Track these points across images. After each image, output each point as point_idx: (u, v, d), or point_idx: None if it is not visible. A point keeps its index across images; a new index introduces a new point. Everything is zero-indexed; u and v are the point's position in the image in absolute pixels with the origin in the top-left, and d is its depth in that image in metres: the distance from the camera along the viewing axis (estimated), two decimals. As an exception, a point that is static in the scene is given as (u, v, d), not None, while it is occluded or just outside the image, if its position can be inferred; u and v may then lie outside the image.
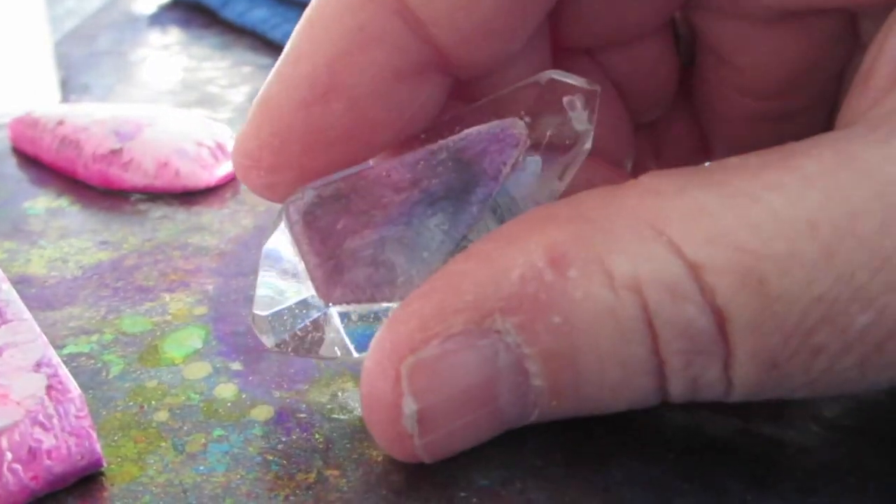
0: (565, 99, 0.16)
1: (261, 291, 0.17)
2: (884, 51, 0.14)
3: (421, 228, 0.16)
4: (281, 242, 0.17)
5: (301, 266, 0.16)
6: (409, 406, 0.14)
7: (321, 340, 0.17)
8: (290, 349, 0.17)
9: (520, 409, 0.15)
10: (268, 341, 0.17)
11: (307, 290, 0.16)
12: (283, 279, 0.17)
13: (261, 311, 0.17)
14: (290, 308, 0.17)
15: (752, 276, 0.12)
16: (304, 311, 0.17)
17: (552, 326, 0.13)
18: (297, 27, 0.16)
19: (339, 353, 0.17)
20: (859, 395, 0.19)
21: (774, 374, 0.13)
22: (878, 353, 0.13)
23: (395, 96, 0.16)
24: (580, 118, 0.16)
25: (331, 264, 0.16)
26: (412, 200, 0.16)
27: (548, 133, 0.16)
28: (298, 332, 0.17)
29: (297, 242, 0.16)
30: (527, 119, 0.16)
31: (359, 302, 0.16)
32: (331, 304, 0.16)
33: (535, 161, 0.16)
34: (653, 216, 0.13)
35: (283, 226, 0.16)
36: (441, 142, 0.16)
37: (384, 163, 0.16)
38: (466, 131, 0.16)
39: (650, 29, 0.19)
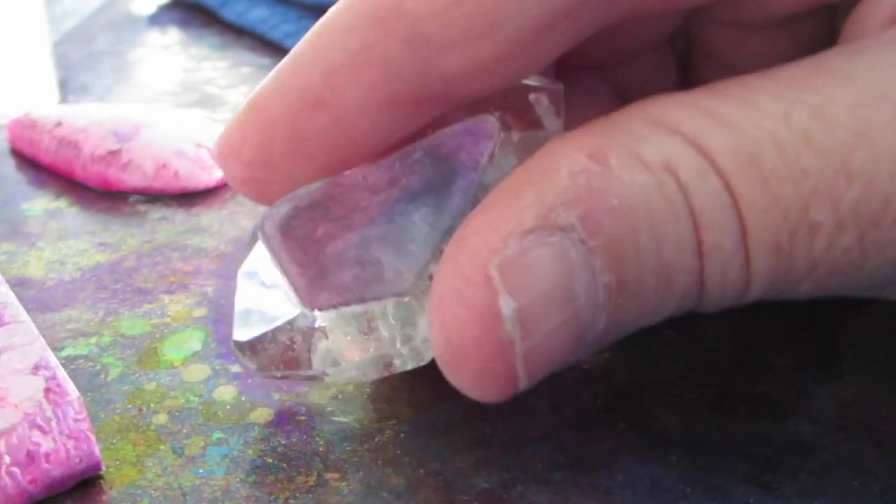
0: (531, 96, 0.16)
1: (240, 314, 0.17)
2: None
3: (405, 223, 0.15)
4: (258, 262, 0.16)
5: (283, 281, 0.16)
6: (508, 304, 0.14)
7: (309, 357, 0.16)
8: (278, 372, 0.17)
9: (592, 313, 0.14)
10: (251, 365, 0.17)
11: (290, 306, 0.16)
12: (263, 298, 0.16)
13: (241, 336, 0.17)
14: (273, 330, 0.16)
15: (747, 155, 0.14)
16: (289, 328, 0.16)
17: (611, 209, 0.14)
18: (308, 33, 0.16)
19: (330, 365, 0.16)
20: (860, 396, 0.19)
21: (781, 258, 0.14)
22: (875, 229, 0.14)
23: (385, 120, 0.16)
24: (547, 114, 0.16)
25: (313, 271, 0.15)
26: (392, 199, 0.15)
27: (518, 132, 0.16)
28: (284, 351, 0.16)
29: (276, 256, 0.15)
30: (496, 115, 0.16)
31: (347, 304, 0.16)
32: (316, 311, 0.16)
33: (509, 161, 0.16)
34: (663, 117, 0.15)
35: (259, 245, 0.16)
36: (415, 143, 0.16)
37: (359, 168, 0.16)
38: (439, 131, 0.16)
39: (653, 46, 0.20)
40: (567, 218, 0.14)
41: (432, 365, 0.20)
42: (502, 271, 0.14)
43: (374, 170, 0.16)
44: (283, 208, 0.16)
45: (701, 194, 0.14)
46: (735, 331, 0.22)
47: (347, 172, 0.16)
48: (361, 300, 0.15)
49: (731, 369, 0.20)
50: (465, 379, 0.15)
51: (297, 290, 0.15)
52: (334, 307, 0.15)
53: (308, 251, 0.15)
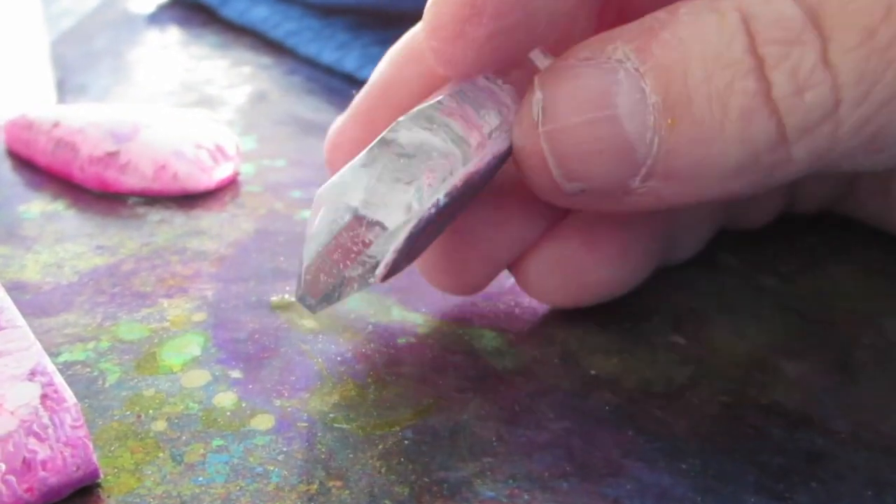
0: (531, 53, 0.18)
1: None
2: None
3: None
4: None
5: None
6: (537, 97, 0.17)
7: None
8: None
9: (640, 126, 0.16)
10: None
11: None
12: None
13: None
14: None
15: None
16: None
17: (663, 41, 0.16)
18: None
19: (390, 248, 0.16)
20: (874, 404, 0.19)
21: (872, 52, 0.15)
22: None
23: None
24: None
25: None
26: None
27: None
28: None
29: None
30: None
31: None
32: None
33: None
34: None
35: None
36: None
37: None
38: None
39: None
40: (623, 51, 0.16)
41: (434, 367, 0.20)
42: (542, 77, 0.17)
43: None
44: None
45: (763, 13, 0.15)
46: (746, 337, 0.22)
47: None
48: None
49: (741, 376, 0.20)
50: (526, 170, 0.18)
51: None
52: None
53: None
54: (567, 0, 0.18)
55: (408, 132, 0.16)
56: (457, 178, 0.16)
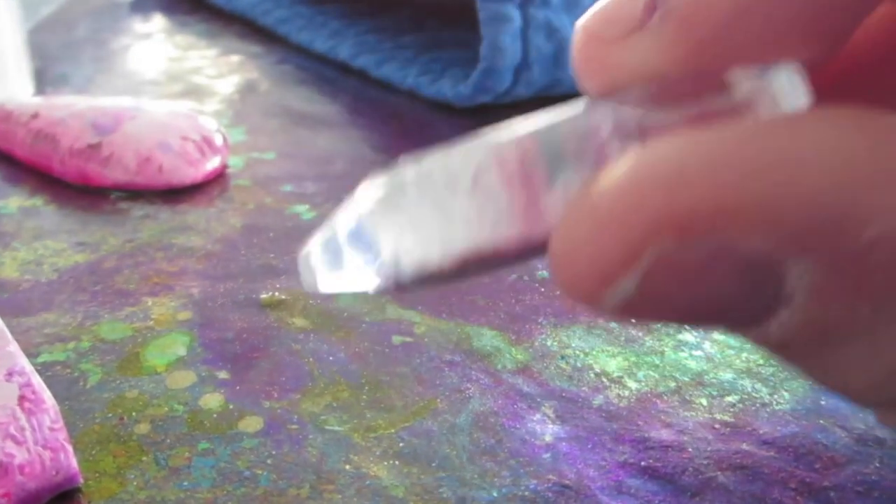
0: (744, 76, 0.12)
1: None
2: None
3: None
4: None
5: None
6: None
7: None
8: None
9: None
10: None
11: None
12: None
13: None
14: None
15: None
16: None
17: None
18: None
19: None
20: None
21: None
22: None
23: None
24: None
25: None
26: None
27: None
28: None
29: None
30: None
31: None
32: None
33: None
34: None
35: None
36: None
37: None
38: None
39: None
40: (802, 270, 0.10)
41: (430, 367, 0.20)
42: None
43: None
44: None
45: None
46: (758, 335, 0.22)
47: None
48: None
49: (752, 373, 0.20)
50: None
51: None
52: None
53: None
54: None
55: (417, 186, 0.12)
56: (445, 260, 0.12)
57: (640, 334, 0.22)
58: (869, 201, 0.09)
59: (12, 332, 0.20)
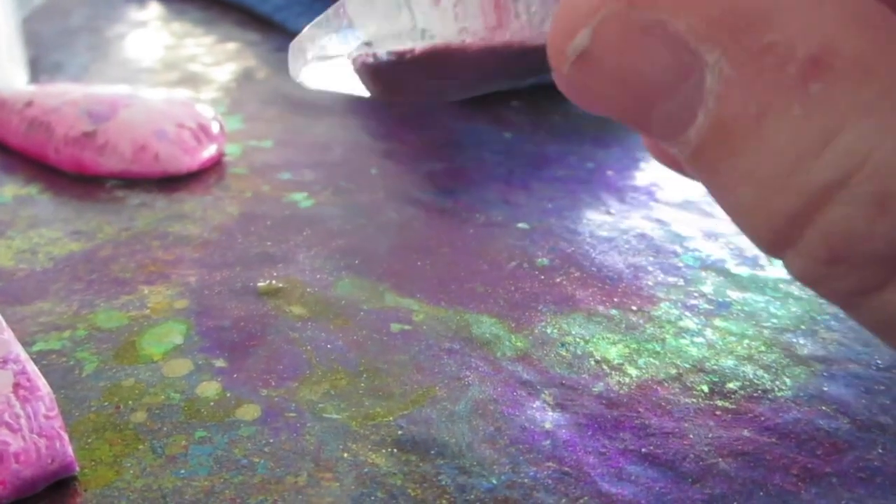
0: None
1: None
2: None
3: None
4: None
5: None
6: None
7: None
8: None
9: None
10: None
11: None
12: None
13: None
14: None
15: None
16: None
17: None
18: None
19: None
20: (899, 392, 0.19)
21: None
22: None
23: None
24: None
25: None
26: None
27: None
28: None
29: None
30: None
31: None
32: None
33: None
34: None
35: None
36: None
37: None
38: None
39: None
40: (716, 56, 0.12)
41: (429, 355, 0.20)
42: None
43: None
44: None
45: None
46: (759, 323, 0.22)
47: None
48: None
49: (756, 358, 0.20)
50: None
51: None
52: None
53: None
54: None
55: None
56: (415, 47, 0.14)
57: (641, 321, 0.22)
58: (771, 12, 0.11)
59: (7, 321, 0.20)
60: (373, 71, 0.15)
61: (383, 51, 0.14)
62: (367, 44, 0.14)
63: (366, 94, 0.15)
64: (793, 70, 0.11)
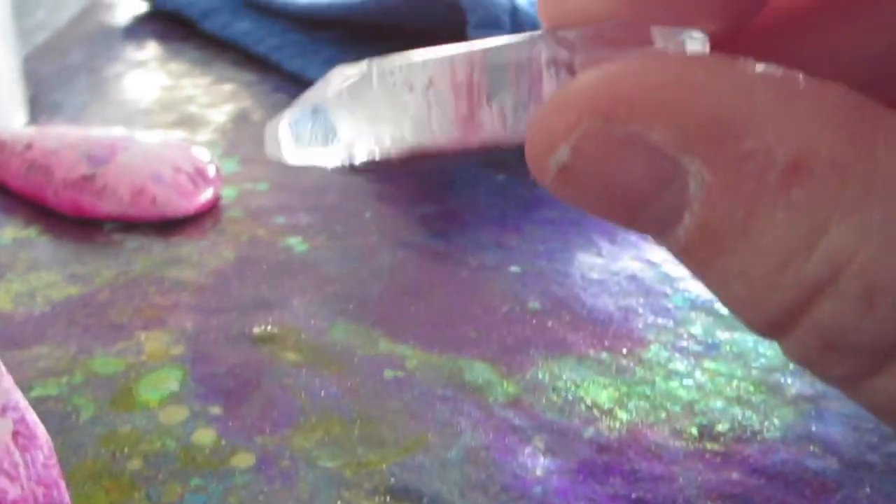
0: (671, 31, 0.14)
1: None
2: None
3: None
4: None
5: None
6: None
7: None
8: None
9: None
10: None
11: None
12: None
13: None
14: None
15: None
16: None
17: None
18: None
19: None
20: (885, 431, 0.20)
21: None
22: None
23: None
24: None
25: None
26: None
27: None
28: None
29: None
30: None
31: None
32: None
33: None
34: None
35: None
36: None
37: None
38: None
39: None
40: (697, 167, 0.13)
41: (423, 402, 0.20)
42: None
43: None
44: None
45: None
46: (748, 363, 0.22)
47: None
48: None
49: (747, 401, 0.21)
50: None
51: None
52: None
53: None
54: None
55: (380, 80, 0.14)
56: (390, 150, 0.14)
57: (632, 364, 0.22)
58: (747, 120, 0.12)
59: (6, 365, 0.21)
60: (349, 167, 0.15)
61: (358, 155, 0.14)
62: (346, 145, 0.15)
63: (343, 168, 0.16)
64: (773, 176, 0.12)
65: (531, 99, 0.14)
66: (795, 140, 0.11)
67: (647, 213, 0.13)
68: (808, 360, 0.12)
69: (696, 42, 0.14)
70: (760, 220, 0.12)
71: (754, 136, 0.12)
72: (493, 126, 0.14)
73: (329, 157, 0.15)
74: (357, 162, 0.15)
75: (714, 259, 0.12)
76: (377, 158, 0.14)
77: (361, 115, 0.14)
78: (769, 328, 0.12)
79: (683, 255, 0.13)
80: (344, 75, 0.14)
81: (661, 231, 0.13)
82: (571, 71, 0.14)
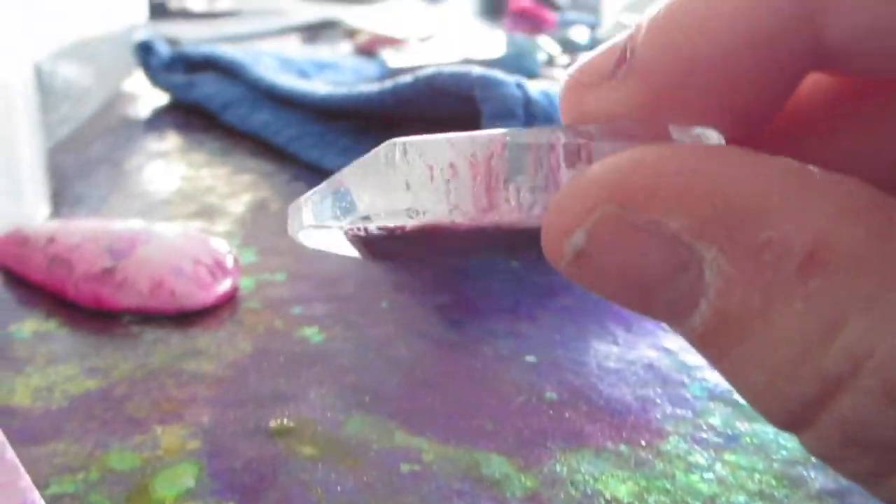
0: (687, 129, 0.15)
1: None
2: None
3: None
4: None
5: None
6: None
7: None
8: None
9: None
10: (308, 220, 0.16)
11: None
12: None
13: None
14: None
15: None
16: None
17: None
18: None
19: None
20: None
21: None
22: None
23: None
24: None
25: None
26: None
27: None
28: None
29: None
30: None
31: None
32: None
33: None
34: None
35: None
36: None
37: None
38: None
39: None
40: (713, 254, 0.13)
41: (440, 497, 0.20)
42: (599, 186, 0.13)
43: None
44: None
45: None
46: (769, 455, 0.22)
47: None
48: None
49: (766, 496, 0.20)
50: None
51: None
52: None
53: None
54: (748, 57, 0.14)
55: (407, 159, 0.15)
56: (408, 224, 0.15)
57: (651, 457, 0.22)
58: (764, 210, 0.12)
59: (22, 461, 0.21)
60: (364, 241, 0.16)
61: (374, 226, 0.15)
62: (364, 217, 0.15)
63: (359, 257, 0.16)
64: (791, 266, 0.12)
65: (548, 184, 0.14)
66: (813, 231, 0.12)
67: (661, 299, 0.13)
68: (829, 455, 0.12)
69: (711, 139, 0.15)
70: (778, 310, 0.12)
71: (772, 225, 0.12)
72: (509, 208, 0.14)
73: (347, 234, 0.16)
74: (373, 231, 0.15)
75: (731, 348, 0.12)
76: (390, 232, 0.15)
77: (380, 192, 0.15)
78: (789, 421, 0.12)
79: (699, 342, 0.13)
80: (368, 157, 0.15)
81: (676, 318, 0.13)
82: (589, 159, 0.14)
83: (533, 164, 0.15)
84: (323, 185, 0.16)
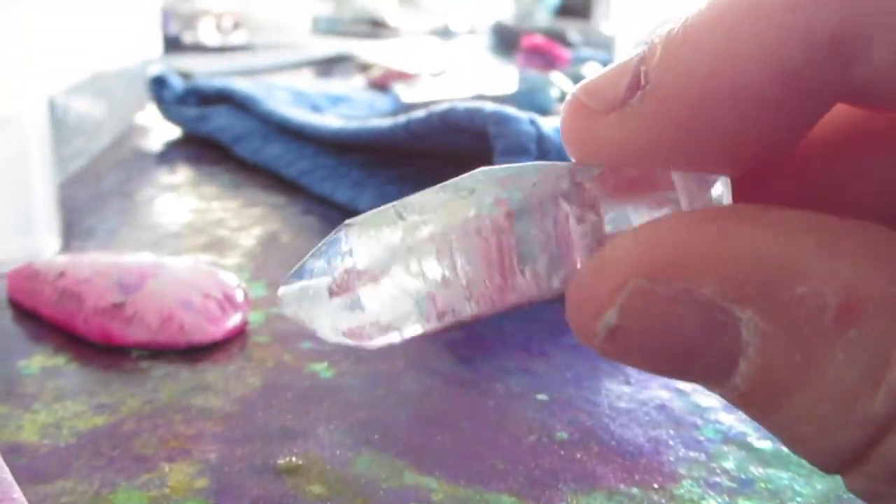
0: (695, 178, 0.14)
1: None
2: None
3: None
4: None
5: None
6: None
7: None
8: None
9: None
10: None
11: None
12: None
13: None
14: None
15: None
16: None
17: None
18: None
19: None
20: None
21: None
22: None
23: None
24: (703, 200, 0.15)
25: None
26: None
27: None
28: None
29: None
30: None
31: None
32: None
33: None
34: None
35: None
36: None
37: None
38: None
39: None
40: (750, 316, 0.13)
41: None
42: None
43: None
44: None
45: None
46: (784, 502, 0.22)
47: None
48: None
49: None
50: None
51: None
52: None
53: None
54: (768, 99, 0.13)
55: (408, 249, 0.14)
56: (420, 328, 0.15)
57: (663, 501, 0.21)
58: (795, 267, 0.12)
59: (29, 500, 0.21)
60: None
61: (398, 337, 0.15)
62: (385, 327, 0.15)
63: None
64: (827, 318, 0.12)
65: (561, 252, 0.14)
66: (844, 282, 0.12)
67: (700, 364, 0.13)
68: (874, 493, 0.12)
69: (717, 189, 0.14)
70: (820, 362, 0.12)
71: (804, 281, 0.12)
72: (526, 283, 0.14)
73: (347, 336, 0.16)
74: (379, 344, 0.15)
75: (776, 402, 0.12)
76: (409, 336, 0.15)
77: (388, 295, 0.15)
78: (836, 467, 0.12)
79: (742, 401, 0.13)
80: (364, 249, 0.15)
81: (716, 380, 0.13)
82: (597, 212, 0.14)
83: (542, 240, 0.14)
84: (322, 281, 0.16)
